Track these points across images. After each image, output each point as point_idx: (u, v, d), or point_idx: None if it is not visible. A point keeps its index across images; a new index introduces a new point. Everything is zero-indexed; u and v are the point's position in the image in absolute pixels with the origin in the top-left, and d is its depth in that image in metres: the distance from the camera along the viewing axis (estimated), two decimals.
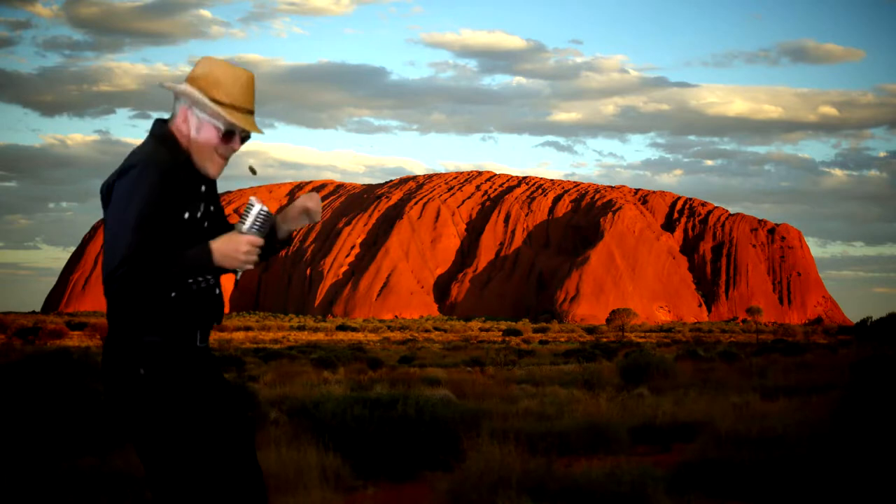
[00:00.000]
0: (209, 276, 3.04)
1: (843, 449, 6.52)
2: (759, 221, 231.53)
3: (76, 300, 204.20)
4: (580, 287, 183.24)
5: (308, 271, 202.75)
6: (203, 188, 3.13)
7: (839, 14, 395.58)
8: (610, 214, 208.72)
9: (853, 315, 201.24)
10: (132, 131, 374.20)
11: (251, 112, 3.14)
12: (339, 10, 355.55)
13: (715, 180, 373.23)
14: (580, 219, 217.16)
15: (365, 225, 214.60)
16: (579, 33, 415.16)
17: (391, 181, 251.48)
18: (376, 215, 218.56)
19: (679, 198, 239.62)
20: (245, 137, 3.17)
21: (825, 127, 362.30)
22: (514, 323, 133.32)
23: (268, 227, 3.08)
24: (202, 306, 3.10)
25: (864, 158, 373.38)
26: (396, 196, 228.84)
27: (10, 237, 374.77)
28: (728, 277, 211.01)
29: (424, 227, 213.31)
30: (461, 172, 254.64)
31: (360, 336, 76.22)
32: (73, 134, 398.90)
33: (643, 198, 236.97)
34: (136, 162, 2.97)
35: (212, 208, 3.17)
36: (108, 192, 3.01)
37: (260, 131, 3.16)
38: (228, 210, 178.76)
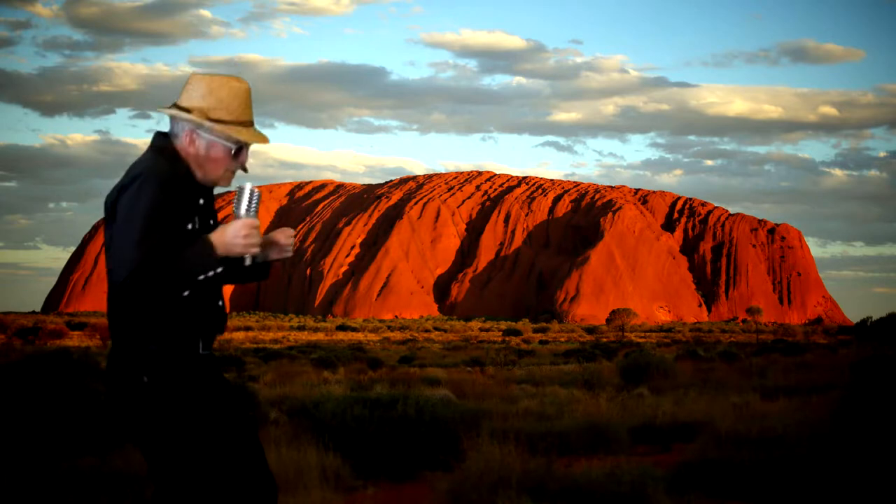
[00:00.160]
0: (218, 268, 3.01)
1: (843, 449, 6.53)
2: (759, 221, 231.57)
3: (76, 300, 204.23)
4: (580, 287, 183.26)
5: (308, 271, 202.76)
6: (202, 201, 3.14)
7: (839, 14, 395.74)
8: (610, 214, 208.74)
9: (853, 315, 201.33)
10: (132, 131, 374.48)
11: (253, 123, 3.19)
12: (339, 10, 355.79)
13: (715, 180, 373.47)
14: (580, 219, 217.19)
15: (365, 225, 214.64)
16: (579, 33, 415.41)
17: (391, 181, 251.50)
18: (376, 215, 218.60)
19: (679, 198, 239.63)
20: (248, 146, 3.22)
21: (825, 127, 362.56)
22: (514, 323, 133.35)
23: (257, 206, 3.08)
24: (204, 315, 3.11)
25: (864, 158, 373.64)
26: (396, 196, 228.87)
27: (10, 237, 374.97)
28: (728, 277, 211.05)
29: (424, 227, 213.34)
30: (461, 172, 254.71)
31: (360, 336, 76.24)
32: (73, 134, 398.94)
33: (643, 198, 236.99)
34: (137, 175, 2.99)
35: (210, 222, 3.18)
36: (112, 207, 3.03)
37: (267, 141, 3.19)
38: (228, 210, 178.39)
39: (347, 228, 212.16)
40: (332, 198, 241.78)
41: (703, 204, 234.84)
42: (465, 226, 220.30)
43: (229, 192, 3.37)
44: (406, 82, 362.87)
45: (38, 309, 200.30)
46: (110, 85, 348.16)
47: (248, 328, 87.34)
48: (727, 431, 7.40)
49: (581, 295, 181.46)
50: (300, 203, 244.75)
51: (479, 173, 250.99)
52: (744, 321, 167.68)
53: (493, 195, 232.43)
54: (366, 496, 6.85)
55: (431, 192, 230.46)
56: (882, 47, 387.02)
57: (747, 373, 17.60)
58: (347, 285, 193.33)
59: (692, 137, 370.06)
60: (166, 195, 2.97)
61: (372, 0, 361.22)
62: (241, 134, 3.10)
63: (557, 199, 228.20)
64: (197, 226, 3.09)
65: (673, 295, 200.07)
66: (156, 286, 2.89)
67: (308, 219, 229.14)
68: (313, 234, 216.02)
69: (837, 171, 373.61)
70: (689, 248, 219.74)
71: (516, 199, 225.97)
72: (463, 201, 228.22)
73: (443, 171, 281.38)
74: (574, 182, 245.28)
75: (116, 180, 3.13)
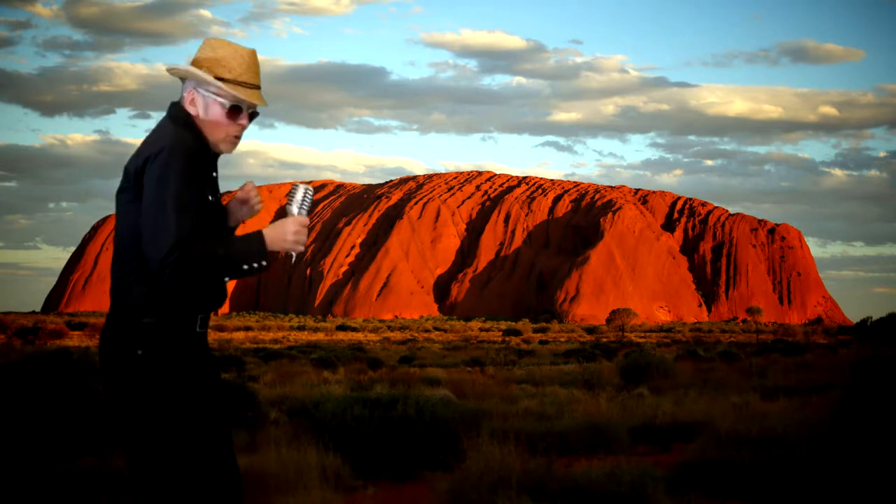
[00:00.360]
0: (264, 261, 3.04)
1: (843, 449, 6.52)
2: (759, 221, 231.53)
3: (76, 300, 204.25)
4: (580, 287, 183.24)
5: (308, 271, 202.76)
6: (214, 174, 3.16)
7: (839, 14, 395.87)
8: (610, 214, 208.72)
9: (853, 315, 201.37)
10: (132, 131, 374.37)
11: (256, 87, 3.16)
12: (339, 10, 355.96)
13: (715, 180, 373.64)
14: (580, 219, 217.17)
15: (365, 225, 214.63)
16: (579, 33, 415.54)
17: (391, 181, 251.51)
18: (376, 215, 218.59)
19: (679, 198, 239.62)
20: (253, 115, 3.19)
21: (825, 127, 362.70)
22: (514, 323, 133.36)
23: (312, 206, 3.19)
24: (206, 292, 3.10)
25: (864, 158, 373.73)
26: (396, 196, 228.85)
27: (10, 237, 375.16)
28: (728, 277, 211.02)
29: (424, 227, 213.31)
30: (461, 172, 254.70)
31: (360, 336, 76.22)
32: (73, 134, 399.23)
33: (643, 198, 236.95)
34: (164, 146, 2.98)
35: (217, 195, 3.20)
36: (135, 177, 3.00)
37: (265, 103, 3.18)
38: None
39: (347, 228, 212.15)
40: (332, 198, 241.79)
41: (703, 204, 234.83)
42: (465, 226, 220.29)
43: (227, 191, 3.38)
44: (406, 82, 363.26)
45: (38, 309, 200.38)
46: (110, 85, 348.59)
47: (248, 328, 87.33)
48: (727, 431, 7.40)
49: (581, 295, 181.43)
50: None
51: (479, 173, 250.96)
52: (744, 321, 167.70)
53: (493, 195, 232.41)
54: (366, 496, 6.85)
55: (431, 192, 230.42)
56: (882, 47, 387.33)
57: (747, 373, 17.59)
58: (347, 285, 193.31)
59: (692, 137, 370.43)
60: (193, 167, 2.99)
61: (372, 0, 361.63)
62: (237, 91, 3.09)
63: (557, 199, 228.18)
64: (213, 198, 3.12)
65: (673, 295, 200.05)
66: (201, 258, 2.89)
67: (308, 219, 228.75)
68: (313, 234, 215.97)
69: (837, 171, 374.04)
70: (689, 248, 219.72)
71: (516, 199, 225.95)
72: (463, 201, 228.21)
73: (443, 171, 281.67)
74: (574, 182, 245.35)
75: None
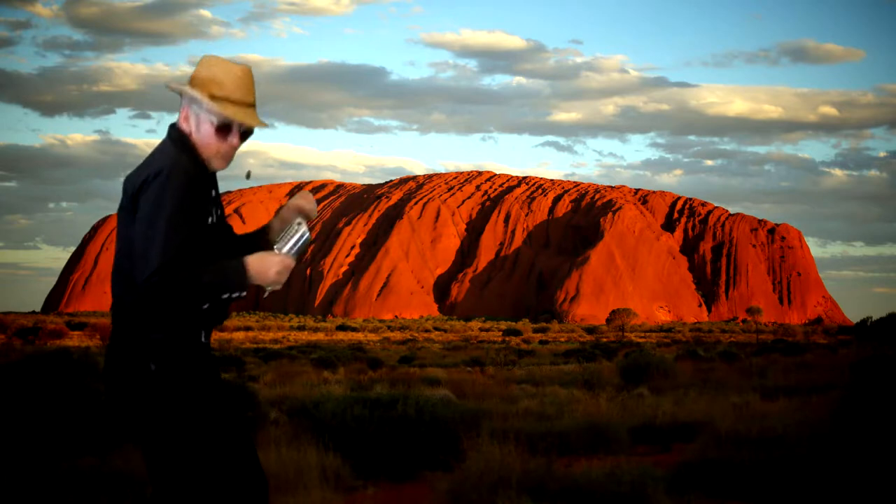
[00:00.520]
0: (244, 292, 3.07)
1: (843, 449, 6.52)
2: (759, 221, 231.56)
3: (76, 300, 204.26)
4: (580, 287, 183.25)
5: (308, 271, 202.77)
6: (213, 192, 3.17)
7: (839, 14, 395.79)
8: (610, 214, 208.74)
9: (853, 315, 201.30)
10: (132, 131, 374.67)
11: (250, 105, 3.14)
12: (339, 10, 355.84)
13: (715, 180, 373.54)
14: (580, 219, 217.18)
15: (365, 225, 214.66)
16: (579, 33, 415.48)
17: (391, 181, 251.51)
18: (376, 215, 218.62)
19: (679, 198, 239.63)
20: (246, 133, 3.16)
21: (825, 127, 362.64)
22: (514, 323, 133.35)
23: (304, 251, 3.14)
24: (208, 308, 3.12)
25: (864, 158, 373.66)
26: (396, 196, 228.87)
27: (10, 237, 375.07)
28: (728, 277, 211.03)
29: (424, 227, 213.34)
30: (461, 172, 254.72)
31: (360, 336, 76.24)
32: (73, 134, 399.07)
33: (643, 198, 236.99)
34: (163, 167, 2.99)
35: (219, 212, 3.20)
36: (132, 199, 3.01)
37: (258, 123, 3.15)
38: (228, 210, 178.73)
39: (347, 228, 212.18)
40: (332, 198, 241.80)
41: (703, 204, 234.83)
42: (465, 226, 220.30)
43: (227, 191, 3.38)
44: (406, 82, 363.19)
45: (38, 309, 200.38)
46: (110, 85, 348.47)
47: (248, 328, 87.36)
48: (727, 431, 7.40)
49: (581, 295, 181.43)
50: None
51: (479, 173, 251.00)
52: (744, 321, 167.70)
53: (493, 195, 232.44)
54: (366, 496, 6.85)
55: (431, 192, 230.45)
56: (882, 47, 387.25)
57: (747, 373, 17.60)
58: (347, 285, 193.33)
59: (692, 137, 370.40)
60: (191, 193, 2.99)
61: (372, 0, 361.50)
62: (226, 109, 3.07)
63: (557, 199, 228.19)
64: (215, 219, 3.13)
65: (673, 295, 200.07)
66: (182, 284, 2.90)
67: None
68: (313, 235, 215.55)
69: (837, 171, 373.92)
70: (689, 248, 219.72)
71: (516, 199, 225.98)
72: (463, 201, 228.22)
73: (443, 171, 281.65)
74: (574, 182, 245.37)
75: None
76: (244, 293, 3.07)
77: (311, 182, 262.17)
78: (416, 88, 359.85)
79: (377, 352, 38.04)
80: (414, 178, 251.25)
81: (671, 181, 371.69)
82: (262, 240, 3.32)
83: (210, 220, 3.09)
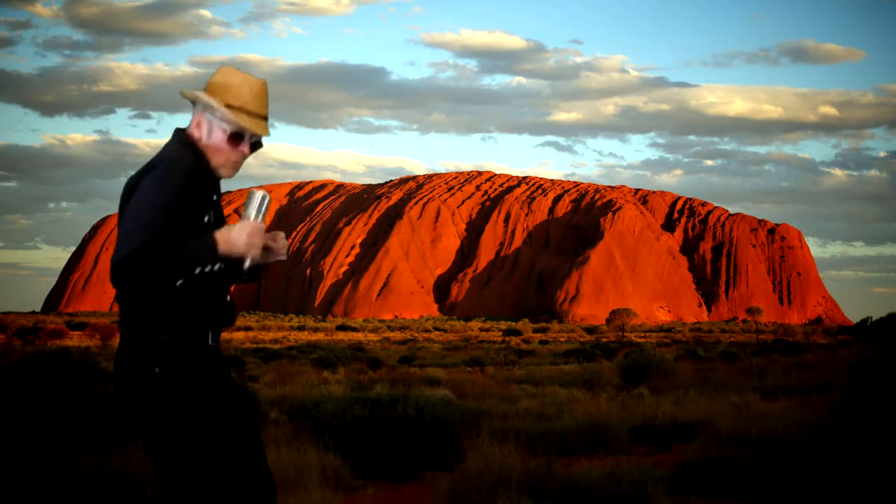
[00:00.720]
0: (216, 265, 3.07)
1: (843, 449, 6.52)
2: (759, 221, 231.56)
3: (76, 300, 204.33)
4: (580, 287, 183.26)
5: (308, 271, 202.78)
6: (215, 197, 3.20)
7: (839, 14, 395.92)
8: (610, 214, 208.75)
9: (853, 315, 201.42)
10: (132, 131, 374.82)
11: (263, 118, 3.21)
12: (339, 10, 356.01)
13: (715, 180, 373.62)
14: (580, 219, 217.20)
15: (365, 225, 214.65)
16: (579, 33, 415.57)
17: (391, 181, 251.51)
18: (376, 215, 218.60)
19: (679, 198, 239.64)
20: (256, 144, 3.23)
21: (825, 127, 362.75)
22: (514, 323, 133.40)
23: (266, 211, 3.16)
24: (213, 309, 3.14)
25: (864, 158, 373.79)
26: (396, 196, 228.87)
27: (10, 237, 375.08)
28: (728, 277, 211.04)
29: (424, 227, 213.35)
30: (461, 172, 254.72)
31: (360, 336, 76.25)
32: (73, 134, 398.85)
33: (643, 198, 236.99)
34: (161, 161, 3.04)
35: (217, 214, 3.23)
36: (129, 191, 3.05)
37: (267, 133, 3.22)
38: (228, 210, 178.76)
39: (347, 228, 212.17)
40: (332, 198, 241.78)
41: (703, 204, 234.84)
42: (465, 226, 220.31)
43: (227, 191, 3.40)
44: (406, 82, 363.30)
45: (38, 309, 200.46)
46: (110, 85, 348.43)
47: (248, 328, 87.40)
48: (727, 431, 7.40)
49: (581, 295, 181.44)
50: (300, 203, 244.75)
51: (479, 173, 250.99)
52: (744, 321, 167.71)
53: (493, 195, 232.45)
54: (366, 496, 6.85)
55: (431, 192, 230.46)
56: (882, 47, 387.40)
57: (747, 373, 17.60)
58: (347, 285, 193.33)
59: (692, 137, 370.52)
60: (187, 185, 3.03)
61: (372, 0, 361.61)
62: (240, 119, 3.13)
63: (557, 199, 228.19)
64: (212, 220, 3.16)
65: (673, 295, 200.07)
66: (151, 269, 2.90)
67: (308, 219, 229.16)
68: (313, 234, 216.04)
69: (837, 171, 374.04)
70: (689, 248, 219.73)
71: (516, 199, 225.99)
72: (463, 201, 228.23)
73: (443, 171, 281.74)
74: (574, 182, 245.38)
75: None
76: (217, 266, 3.06)
77: (311, 182, 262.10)
78: (416, 88, 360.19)
79: (377, 352, 38.05)
80: (414, 178, 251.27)
81: (671, 181, 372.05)
82: None
83: (207, 219, 3.12)
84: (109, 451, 6.73)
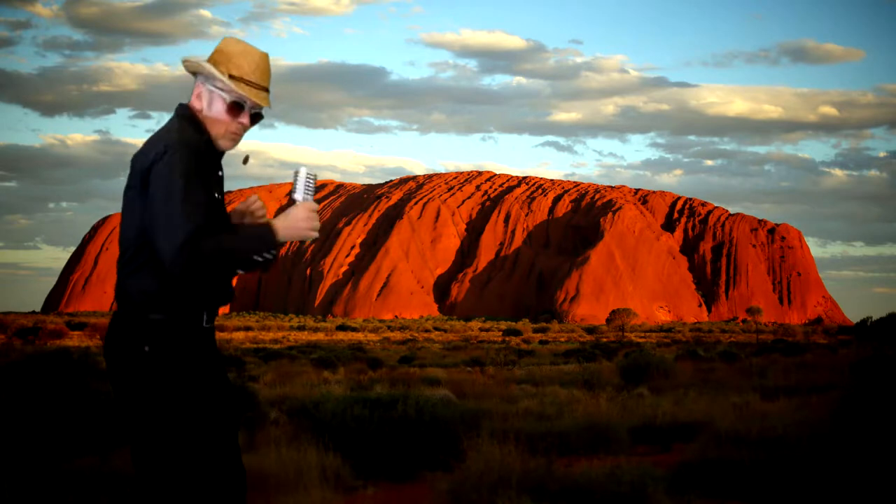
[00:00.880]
0: (273, 251, 3.06)
1: (843, 449, 6.52)
2: (759, 221, 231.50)
3: (76, 300, 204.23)
4: (580, 287, 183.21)
5: (308, 271, 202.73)
6: (219, 172, 3.18)
7: (839, 14, 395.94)
8: (610, 214, 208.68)
9: (853, 315, 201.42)
10: (132, 131, 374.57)
11: (264, 89, 3.19)
12: (339, 10, 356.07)
13: (715, 180, 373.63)
14: (580, 219, 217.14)
15: (365, 225, 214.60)
16: (579, 33, 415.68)
17: (391, 181, 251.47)
18: (376, 215, 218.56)
19: (679, 198, 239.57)
20: (256, 116, 3.20)
21: (825, 127, 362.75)
22: (514, 323, 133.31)
23: (314, 187, 3.14)
24: (211, 288, 3.11)
25: (864, 158, 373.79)
26: (396, 196, 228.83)
27: (10, 237, 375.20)
28: (728, 277, 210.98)
29: (424, 227, 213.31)
30: (461, 172, 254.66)
31: (360, 336, 76.20)
32: (73, 134, 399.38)
33: (643, 198, 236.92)
34: (170, 142, 3.01)
35: (222, 192, 3.21)
36: (143, 174, 3.01)
37: (268, 104, 3.20)
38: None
39: (347, 228, 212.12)
40: (332, 198, 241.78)
41: (703, 204, 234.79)
42: (465, 226, 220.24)
43: (227, 191, 3.38)
44: (406, 82, 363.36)
45: (38, 309, 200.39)
46: (110, 85, 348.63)
47: (248, 328, 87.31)
48: (727, 431, 7.40)
49: (581, 295, 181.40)
50: None
51: (479, 173, 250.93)
52: (744, 321, 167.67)
53: (493, 195, 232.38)
54: (366, 496, 6.85)
55: (431, 192, 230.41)
56: (882, 47, 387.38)
57: (747, 373, 17.60)
58: (347, 285, 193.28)
59: (692, 137, 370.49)
60: (198, 163, 3.02)
61: (372, 0, 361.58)
62: (241, 89, 3.12)
63: (557, 199, 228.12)
64: (219, 197, 3.14)
65: (673, 295, 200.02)
66: (212, 259, 2.90)
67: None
68: None
69: (837, 171, 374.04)
70: (689, 248, 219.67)
71: (516, 199, 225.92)
72: (463, 201, 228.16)
73: (443, 171, 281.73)
74: (574, 182, 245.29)
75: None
76: (275, 254, 3.05)
77: None
78: (416, 88, 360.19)
79: (377, 352, 38.03)
80: (414, 178, 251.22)
81: (671, 181, 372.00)
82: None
83: (216, 194, 3.11)
84: (109, 451, 6.73)
